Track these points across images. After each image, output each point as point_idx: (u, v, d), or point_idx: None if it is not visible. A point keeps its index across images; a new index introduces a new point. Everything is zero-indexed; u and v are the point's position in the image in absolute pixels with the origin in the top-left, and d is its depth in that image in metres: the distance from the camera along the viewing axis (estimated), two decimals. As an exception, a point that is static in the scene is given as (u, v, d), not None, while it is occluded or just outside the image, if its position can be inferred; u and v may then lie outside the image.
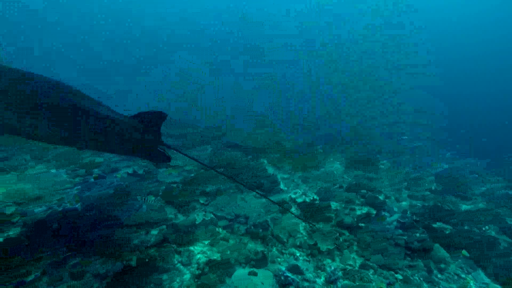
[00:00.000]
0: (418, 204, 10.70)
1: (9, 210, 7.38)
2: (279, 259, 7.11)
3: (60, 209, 7.89)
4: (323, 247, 7.51)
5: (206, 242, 7.42)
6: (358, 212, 9.40)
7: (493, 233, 9.45)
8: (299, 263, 6.97)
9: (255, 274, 6.39)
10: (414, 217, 9.42)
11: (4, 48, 38.69)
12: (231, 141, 15.04)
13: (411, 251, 7.68)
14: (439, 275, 7.15)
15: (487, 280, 7.26)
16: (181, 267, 6.54)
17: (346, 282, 6.55)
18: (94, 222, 7.41)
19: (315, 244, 7.60)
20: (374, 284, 6.50)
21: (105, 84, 27.59)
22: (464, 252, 7.93)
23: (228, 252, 7.09)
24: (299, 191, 10.44)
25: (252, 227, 8.09)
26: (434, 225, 9.18)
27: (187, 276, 6.29)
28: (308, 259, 7.24)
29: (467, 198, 11.79)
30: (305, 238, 7.91)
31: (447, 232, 8.90)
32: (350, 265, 7.16)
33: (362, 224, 8.69)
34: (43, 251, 6.23)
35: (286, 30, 64.70)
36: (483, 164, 17.68)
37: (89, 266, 6.02)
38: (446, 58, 60.34)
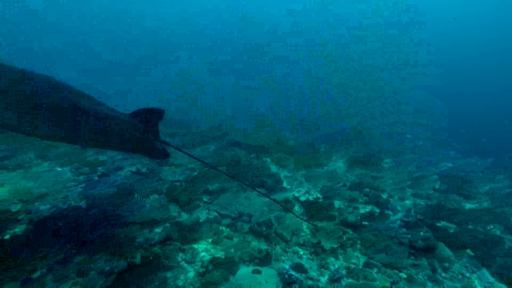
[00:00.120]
0: (421, 203, 10.70)
1: (15, 208, 7.39)
2: (282, 258, 7.12)
3: (65, 207, 7.88)
4: (327, 245, 7.52)
5: (210, 240, 7.45)
6: (362, 211, 9.42)
7: (497, 232, 9.45)
8: (303, 262, 6.97)
9: (259, 272, 6.41)
10: (418, 216, 9.40)
11: (4, 48, 38.64)
12: (234, 139, 15.06)
13: (415, 250, 7.68)
14: (443, 274, 7.15)
15: (491, 279, 7.26)
16: (185, 265, 6.55)
17: (350, 280, 6.54)
18: (99, 220, 7.43)
19: (319, 242, 7.61)
20: (378, 282, 6.49)
21: (105, 84, 27.57)
22: (468, 251, 7.93)
23: (232, 250, 7.11)
24: (302, 190, 10.45)
25: (256, 226, 8.10)
26: (438, 224, 9.18)
27: (191, 274, 6.31)
28: (311, 257, 7.25)
29: (471, 197, 11.76)
30: (309, 236, 7.93)
31: (451, 231, 8.88)
32: (353, 263, 7.16)
33: (366, 223, 8.70)
34: (49, 249, 6.24)
35: (286, 30, 64.76)
36: (487, 163, 17.66)
37: (94, 264, 6.02)
38: (446, 58, 60.39)
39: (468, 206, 11.09)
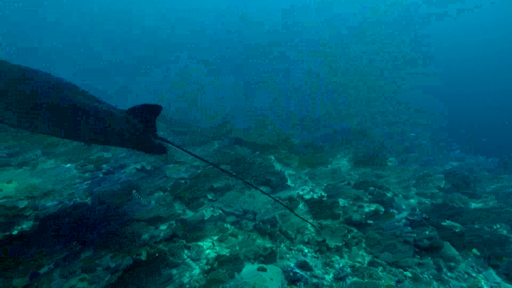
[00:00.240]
0: (426, 202, 10.70)
1: (22, 204, 7.43)
2: (287, 255, 7.13)
3: (71, 203, 7.93)
4: (332, 243, 7.52)
5: (215, 238, 7.47)
6: (366, 209, 9.38)
7: (504, 232, 9.41)
8: (308, 260, 6.99)
9: (264, 270, 6.43)
10: (423, 215, 9.34)
11: (4, 48, 38.60)
12: (237, 137, 15.10)
13: (420, 249, 7.65)
14: (449, 274, 7.14)
15: (498, 279, 7.23)
16: (191, 262, 6.58)
17: (355, 279, 6.56)
18: (104, 217, 7.47)
19: (324, 240, 7.62)
20: (383, 281, 6.50)
21: (105, 84, 27.56)
22: (474, 250, 7.91)
23: (237, 248, 7.14)
24: (307, 188, 10.45)
25: (261, 223, 8.11)
26: (444, 223, 9.15)
27: (197, 271, 6.33)
28: (316, 255, 7.27)
29: (477, 196, 11.74)
30: (313, 234, 7.93)
31: (456, 230, 8.83)
32: (358, 262, 7.17)
33: (371, 221, 8.69)
34: (56, 245, 6.28)
35: (286, 29, 64.80)
36: (493, 162, 17.65)
37: (99, 260, 6.07)
38: (446, 58, 60.48)
39: (473, 205, 11.07)
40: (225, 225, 8.01)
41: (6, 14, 60.06)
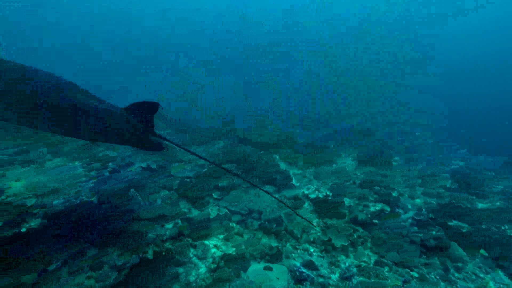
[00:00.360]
0: (432, 202, 10.62)
1: (30, 202, 7.55)
2: (293, 255, 7.12)
3: (77, 202, 8.02)
4: (337, 243, 7.52)
5: (221, 237, 7.48)
6: (372, 209, 9.37)
7: (513, 233, 9.45)
8: (313, 259, 6.98)
9: (270, 269, 6.43)
10: (430, 215, 9.36)
11: (4, 48, 38.62)
12: (242, 137, 15.13)
13: (427, 249, 7.62)
14: (456, 274, 7.09)
15: (507, 280, 7.19)
16: (197, 260, 6.59)
17: (361, 279, 6.55)
18: (110, 215, 7.52)
19: (329, 240, 7.62)
20: (389, 281, 6.49)
21: (105, 84, 27.50)
22: (482, 251, 7.86)
23: (243, 247, 7.13)
24: (312, 187, 10.49)
25: (266, 223, 8.13)
26: (450, 223, 9.11)
27: (203, 269, 6.34)
28: (322, 255, 7.25)
29: (484, 196, 11.66)
30: (319, 234, 7.95)
31: (464, 230, 8.80)
32: (364, 261, 7.14)
33: (376, 221, 8.67)
34: (63, 242, 6.33)
35: (286, 29, 64.79)
36: (499, 162, 17.60)
37: (106, 258, 6.10)
38: (446, 58, 60.48)
39: (480, 205, 10.98)
40: (230, 224, 8.01)
41: (6, 14, 60.14)
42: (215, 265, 6.46)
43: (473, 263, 7.54)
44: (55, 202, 7.85)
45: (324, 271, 6.69)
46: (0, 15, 58.96)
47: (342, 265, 6.91)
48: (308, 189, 10.34)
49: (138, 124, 6.01)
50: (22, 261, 5.65)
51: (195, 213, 8.39)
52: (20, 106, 5.05)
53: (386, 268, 6.93)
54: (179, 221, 7.81)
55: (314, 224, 8.33)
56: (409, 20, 68.02)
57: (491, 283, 6.90)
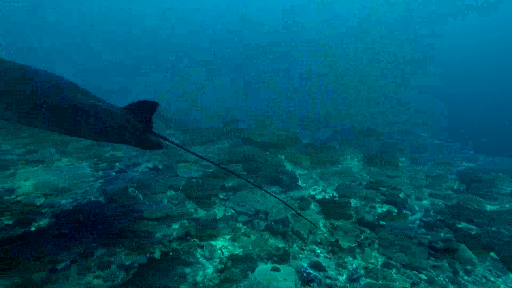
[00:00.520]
0: (439, 203, 10.54)
1: (39, 201, 7.66)
2: (300, 256, 7.09)
3: (85, 201, 8.09)
4: (344, 244, 7.50)
5: (228, 237, 7.48)
6: (379, 210, 9.39)
7: (524, 235, 9.36)
8: (320, 260, 6.96)
9: (277, 270, 6.41)
10: (438, 217, 9.32)
11: (4, 48, 38.62)
12: (246, 137, 15.16)
13: (436, 251, 7.58)
14: (465, 277, 7.02)
15: (518, 284, 7.16)
16: (204, 261, 6.59)
17: (369, 280, 6.51)
18: (118, 215, 7.58)
19: (336, 241, 7.60)
20: (397, 283, 6.46)
21: (105, 84, 27.50)
22: (492, 254, 7.76)
23: (250, 248, 7.12)
24: (318, 188, 10.47)
25: (273, 223, 8.11)
26: (459, 225, 9.06)
27: (210, 270, 6.33)
28: (329, 256, 7.22)
29: (493, 198, 11.51)
30: (326, 235, 7.92)
31: (472, 232, 8.74)
32: (372, 263, 7.10)
33: (383, 222, 8.66)
34: (71, 241, 6.40)
35: (286, 29, 64.93)
36: (508, 163, 17.52)
37: (114, 257, 6.17)
38: (446, 58, 60.57)
39: (489, 207, 10.83)
40: (237, 224, 8.02)
41: (6, 14, 60.21)
42: (223, 266, 6.45)
43: (483, 266, 7.44)
44: (63, 201, 7.93)
45: (331, 272, 6.66)
46: (0, 15, 59.01)
47: (349, 267, 6.87)
48: (314, 190, 10.34)
49: (138, 124, 6.04)
50: (31, 260, 5.71)
51: (201, 213, 8.39)
52: (20, 106, 5.09)
53: (394, 270, 6.89)
54: (186, 221, 7.83)
55: (320, 225, 8.32)
56: (409, 20, 68.13)
57: (502, 287, 6.85)
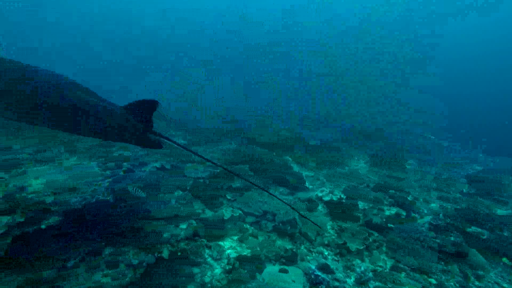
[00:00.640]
0: (448, 207, 10.47)
1: (49, 200, 7.74)
2: (308, 257, 7.07)
3: (94, 200, 8.15)
4: (352, 246, 7.47)
5: (235, 238, 7.47)
6: (387, 213, 9.37)
7: (537, 241, 9.21)
8: (328, 262, 6.93)
9: (286, 271, 6.38)
10: (448, 220, 9.26)
11: (4, 48, 38.62)
12: (251, 137, 15.19)
13: (445, 255, 7.51)
14: (476, 283, 6.92)
15: (533, 291, 7.05)
16: (212, 261, 6.58)
17: (377, 283, 6.48)
18: (126, 214, 7.63)
19: (344, 243, 7.57)
20: (407, 287, 6.44)
21: (105, 84, 27.53)
22: (504, 259, 7.67)
23: (258, 249, 7.11)
24: (326, 190, 10.45)
25: (280, 224, 8.09)
26: (469, 230, 8.98)
27: (218, 270, 6.33)
28: (337, 258, 7.19)
29: (503, 202, 11.42)
30: (333, 237, 7.90)
31: (483, 237, 8.66)
32: (380, 266, 7.08)
33: (392, 225, 8.63)
34: (80, 240, 6.47)
35: (286, 29, 65.03)
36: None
37: (122, 256, 6.22)
38: (446, 58, 60.69)
39: (499, 211, 10.71)
40: (244, 225, 8.01)
41: (6, 14, 60.26)
42: (230, 266, 6.44)
43: (495, 272, 7.34)
44: (72, 200, 7.99)
45: (339, 274, 6.63)
46: (0, 15, 59.07)
47: (358, 269, 6.85)
48: (321, 191, 10.32)
49: (138, 124, 6.07)
50: (42, 257, 5.78)
51: (209, 213, 8.39)
52: (20, 106, 5.13)
53: (403, 274, 6.84)
54: (193, 221, 7.83)
55: (328, 227, 8.31)
56: (409, 20, 68.26)
57: (516, 294, 6.77)
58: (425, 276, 6.83)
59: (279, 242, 7.47)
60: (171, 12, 74.10)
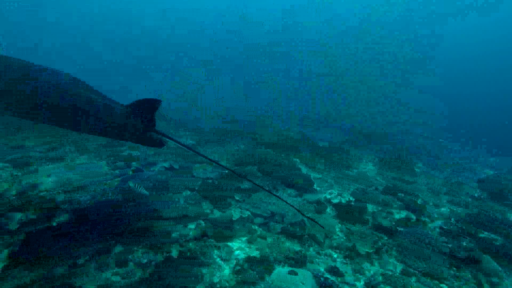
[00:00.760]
0: (459, 211, 10.36)
1: (60, 198, 7.89)
2: (317, 260, 7.05)
3: (103, 199, 8.24)
4: (362, 250, 7.43)
5: (244, 239, 7.47)
6: (396, 216, 9.32)
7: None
8: (337, 265, 6.90)
9: (295, 273, 6.32)
10: (459, 225, 9.15)
11: (4, 48, 38.64)
12: (256, 138, 15.24)
13: (457, 260, 7.42)
14: (490, 290, 6.86)
15: (552, 301, 6.90)
16: (221, 262, 6.60)
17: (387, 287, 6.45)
18: (135, 213, 7.69)
19: (353, 246, 7.53)
20: (418, 292, 6.39)
21: (105, 84, 27.57)
22: (521, 267, 7.51)
23: (267, 250, 7.10)
24: (334, 192, 10.37)
25: (289, 226, 8.08)
26: (481, 235, 8.81)
27: (227, 271, 6.34)
28: (345, 261, 7.15)
29: None
30: (342, 239, 7.87)
31: (497, 243, 8.45)
32: (390, 270, 7.03)
33: (401, 229, 8.57)
34: (90, 238, 6.57)
35: (286, 29, 65.05)
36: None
37: (131, 255, 6.29)
38: (446, 58, 60.70)
39: (512, 217, 10.65)
40: (253, 226, 8.00)
41: (6, 14, 60.33)
42: (239, 267, 6.46)
43: (511, 280, 7.18)
44: (82, 198, 8.08)
45: (349, 278, 6.60)
46: (0, 15, 59.13)
47: (367, 273, 6.82)
48: (330, 194, 10.25)
49: (138, 124, 6.08)
50: (53, 254, 5.90)
51: (217, 214, 8.39)
52: (20, 106, 5.21)
53: (413, 278, 6.77)
54: (202, 222, 7.85)
55: (336, 229, 8.28)
56: (409, 20, 68.25)
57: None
58: (437, 282, 6.73)
59: (287, 244, 7.44)
60: (171, 12, 74.24)
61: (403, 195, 10.72)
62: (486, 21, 69.69)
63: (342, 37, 59.13)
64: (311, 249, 7.41)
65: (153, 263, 6.17)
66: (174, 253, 6.55)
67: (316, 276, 6.38)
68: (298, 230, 7.91)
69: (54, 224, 6.88)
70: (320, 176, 11.92)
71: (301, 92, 34.57)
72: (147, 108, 6.09)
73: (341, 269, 6.77)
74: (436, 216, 9.79)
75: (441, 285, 6.68)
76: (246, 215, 8.45)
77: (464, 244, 7.90)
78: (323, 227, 7.46)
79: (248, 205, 8.95)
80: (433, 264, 7.19)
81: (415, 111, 29.67)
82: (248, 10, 70.12)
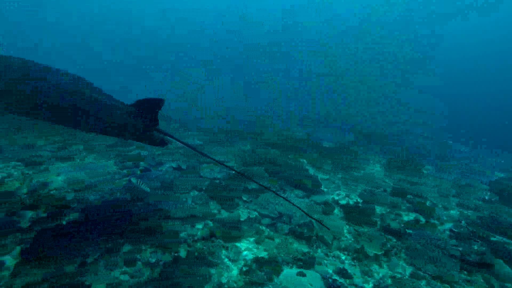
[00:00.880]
0: (469, 214, 10.29)
1: (69, 196, 8.01)
2: (325, 261, 7.00)
3: (112, 198, 8.30)
4: (370, 251, 7.39)
5: (252, 240, 7.45)
6: (405, 218, 9.27)
7: None
8: (346, 267, 6.86)
9: (303, 275, 6.31)
10: (470, 228, 9.07)
11: (4, 48, 38.61)
12: (263, 139, 15.24)
13: (468, 264, 7.31)
14: (504, 296, 6.77)
15: None
16: (229, 262, 6.58)
17: (397, 290, 6.40)
18: (143, 212, 7.77)
19: (362, 248, 7.49)
20: (428, 295, 6.34)
21: (105, 84, 27.57)
22: (536, 272, 7.36)
23: (275, 251, 7.08)
24: (342, 193, 10.39)
25: (297, 227, 8.03)
26: (493, 238, 8.68)
27: (235, 272, 6.32)
28: (354, 263, 7.10)
29: None
30: (350, 241, 7.84)
31: (510, 247, 8.32)
32: (399, 273, 6.96)
33: (410, 231, 8.52)
34: (99, 237, 6.63)
35: (286, 29, 65.06)
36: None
37: (140, 255, 6.33)
38: (446, 58, 60.71)
39: (526, 221, 10.51)
40: (260, 227, 7.99)
41: (6, 14, 60.36)
42: (247, 268, 6.44)
43: None
44: (91, 197, 8.16)
45: (357, 280, 6.55)
46: (0, 15, 59.17)
47: (376, 275, 6.77)
48: (338, 195, 10.26)
49: (138, 124, 6.10)
50: (63, 252, 5.95)
51: (224, 214, 8.39)
52: (20, 106, 5.24)
53: (423, 282, 6.68)
54: (210, 222, 7.85)
55: (344, 231, 8.23)
56: (409, 20, 68.24)
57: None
58: (447, 286, 6.62)
59: (295, 245, 7.41)
60: (171, 12, 74.24)
61: (411, 197, 10.67)
62: (486, 21, 69.72)
63: (342, 37, 59.10)
64: (319, 250, 7.36)
65: (161, 262, 6.18)
66: (182, 253, 6.56)
67: (324, 278, 6.33)
68: (306, 231, 7.87)
69: (64, 222, 6.96)
70: (327, 177, 11.90)
71: (301, 92, 34.62)
72: (150, 107, 6.12)
73: (349, 271, 6.71)
74: (445, 218, 9.72)
75: (452, 289, 6.60)
76: (254, 215, 8.43)
77: (476, 247, 7.84)
78: (329, 229, 7.44)
79: (255, 205, 8.93)
80: (443, 267, 7.11)
81: (415, 111, 29.70)
82: (248, 10, 70.12)
